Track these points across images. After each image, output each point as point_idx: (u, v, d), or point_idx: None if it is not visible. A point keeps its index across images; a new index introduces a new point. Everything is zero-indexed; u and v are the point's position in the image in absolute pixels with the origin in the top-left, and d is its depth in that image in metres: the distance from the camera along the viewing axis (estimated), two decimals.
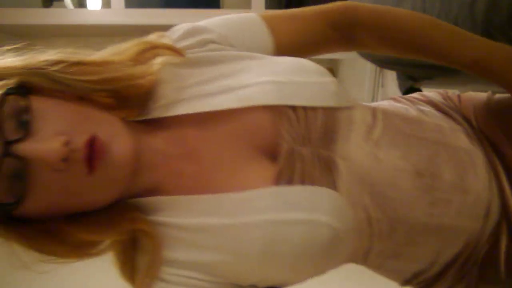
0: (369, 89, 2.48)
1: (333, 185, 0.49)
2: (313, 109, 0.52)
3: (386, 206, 0.52)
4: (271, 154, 0.52)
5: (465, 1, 0.80)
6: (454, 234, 0.55)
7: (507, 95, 0.64)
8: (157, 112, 0.53)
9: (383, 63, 1.29)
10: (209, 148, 0.52)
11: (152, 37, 0.57)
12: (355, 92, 2.56)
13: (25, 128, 0.44)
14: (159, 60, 0.54)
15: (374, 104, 0.63)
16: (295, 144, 0.51)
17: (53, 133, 0.45)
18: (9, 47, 0.50)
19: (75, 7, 2.46)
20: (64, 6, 2.41)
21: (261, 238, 0.46)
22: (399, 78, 1.37)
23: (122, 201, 0.51)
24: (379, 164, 0.52)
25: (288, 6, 2.65)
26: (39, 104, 0.46)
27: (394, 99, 0.67)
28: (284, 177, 0.49)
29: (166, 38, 0.57)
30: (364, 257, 0.56)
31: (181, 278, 0.49)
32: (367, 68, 2.47)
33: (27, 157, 0.43)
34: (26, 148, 0.43)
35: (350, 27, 0.61)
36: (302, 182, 0.49)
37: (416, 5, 0.96)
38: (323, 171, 0.50)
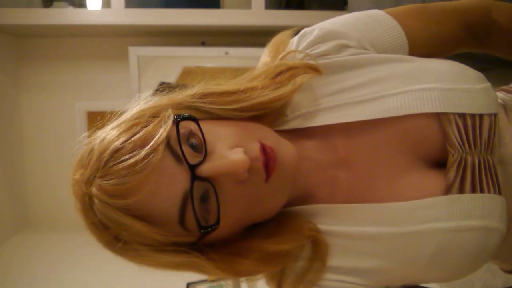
0: None
1: (498, 191, 0.50)
2: (481, 116, 0.51)
3: None
4: (436, 161, 0.51)
5: None
6: None
7: None
8: (299, 122, 0.54)
9: None
10: (362, 156, 0.52)
11: (288, 52, 0.55)
12: None
13: (201, 150, 0.45)
14: (299, 81, 0.53)
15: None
16: (463, 151, 0.50)
17: (228, 147, 0.45)
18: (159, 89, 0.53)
19: (75, 7, 2.45)
20: (64, 6, 2.41)
21: (434, 246, 0.47)
22: None
23: (282, 210, 0.52)
24: None
25: (288, 6, 2.65)
26: (204, 127, 0.46)
27: (505, 90, 0.66)
28: (455, 186, 0.49)
29: (295, 43, 0.56)
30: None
31: (340, 284, 0.50)
32: None
33: (216, 175, 0.44)
34: (211, 167, 0.44)
35: (484, 29, 0.59)
36: (472, 190, 0.49)
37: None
38: (489, 178, 0.50)
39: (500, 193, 0.50)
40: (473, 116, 0.51)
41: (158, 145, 0.43)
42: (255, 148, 0.45)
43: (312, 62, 0.53)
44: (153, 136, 0.43)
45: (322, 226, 0.51)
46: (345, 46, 0.54)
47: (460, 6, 0.59)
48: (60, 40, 2.53)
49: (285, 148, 0.48)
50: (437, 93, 0.50)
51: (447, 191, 0.49)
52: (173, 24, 2.21)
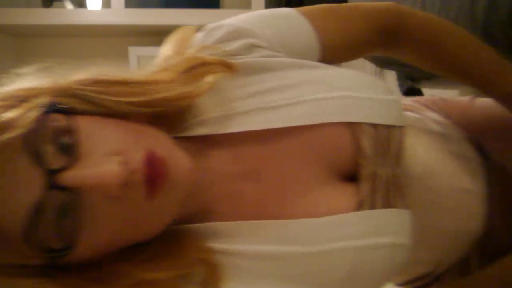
0: None
1: (406, 205, 0.49)
2: (392, 127, 0.49)
3: (428, 216, 0.54)
4: (348, 174, 0.49)
5: (465, 1, 0.80)
6: (467, 238, 0.58)
7: (488, 100, 0.65)
8: (204, 128, 0.47)
9: (383, 63, 1.29)
10: (272, 167, 0.47)
11: (195, 47, 0.50)
12: None
13: (70, 152, 0.36)
14: (210, 79, 0.47)
15: None
16: (375, 164, 0.48)
17: (104, 154, 0.37)
18: (37, 66, 0.45)
19: (75, 7, 2.45)
20: (64, 6, 2.41)
21: (344, 266, 0.44)
22: (399, 78, 1.37)
23: (170, 228, 0.44)
24: (427, 179, 0.54)
25: (288, 6, 2.65)
26: (81, 123, 0.38)
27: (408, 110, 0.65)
28: (367, 201, 0.46)
29: (200, 39, 0.50)
30: None
31: None
32: (367, 68, 2.46)
33: (79, 186, 0.36)
34: (76, 175, 0.35)
35: (395, 34, 0.58)
36: (384, 205, 0.47)
37: (416, 5, 0.96)
38: (398, 192, 0.49)
39: (408, 208, 0.49)
40: (385, 127, 0.49)
41: (13, 139, 0.34)
42: (138, 158, 0.37)
43: (228, 60, 0.48)
44: (8, 127, 0.34)
45: (219, 246, 0.44)
46: (255, 46, 0.49)
47: (373, 8, 0.57)
48: (60, 40, 2.52)
49: (178, 160, 0.40)
50: (350, 102, 0.47)
51: (359, 206, 0.46)
52: (173, 24, 2.20)
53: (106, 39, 2.53)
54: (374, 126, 0.48)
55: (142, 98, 0.43)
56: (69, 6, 2.43)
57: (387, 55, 0.62)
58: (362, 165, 0.47)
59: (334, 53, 0.55)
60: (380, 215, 0.46)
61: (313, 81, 0.48)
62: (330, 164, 0.48)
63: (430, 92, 1.48)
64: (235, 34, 0.50)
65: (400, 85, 1.37)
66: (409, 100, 0.69)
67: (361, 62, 2.46)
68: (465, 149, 0.61)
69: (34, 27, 2.28)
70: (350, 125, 0.48)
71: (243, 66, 0.48)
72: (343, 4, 0.57)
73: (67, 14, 2.24)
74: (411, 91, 1.35)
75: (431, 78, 1.25)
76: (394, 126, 0.50)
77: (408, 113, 0.63)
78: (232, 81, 0.48)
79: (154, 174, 0.37)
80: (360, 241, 0.44)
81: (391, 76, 2.41)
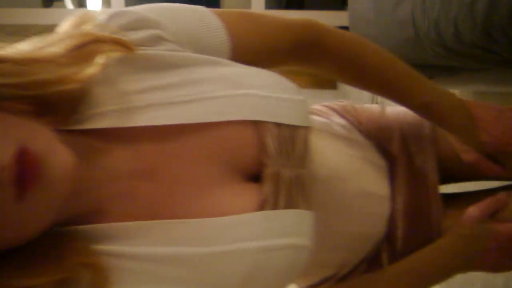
0: None
1: (310, 206, 0.48)
2: (297, 128, 0.49)
3: (329, 219, 0.55)
4: (251, 174, 0.47)
5: (465, 1, 0.80)
6: (368, 240, 0.61)
7: (399, 108, 0.68)
8: (100, 122, 0.42)
9: None
10: (171, 166, 0.44)
11: (89, 27, 0.45)
12: (355, 93, 2.55)
13: None
14: (101, 60, 0.42)
15: None
16: (279, 164, 0.47)
17: None
18: None
19: (75, 7, 2.46)
20: (64, 6, 2.41)
21: (245, 267, 0.42)
22: None
23: (54, 230, 0.40)
24: (329, 182, 0.55)
25: (288, 6, 2.65)
26: None
27: (315, 114, 0.67)
28: (270, 201, 0.45)
29: (101, 26, 0.46)
30: None
31: None
32: None
33: None
34: None
35: (310, 47, 0.57)
36: (286, 206, 0.46)
37: (416, 5, 0.96)
38: (301, 193, 0.48)
39: (310, 209, 0.48)
40: (289, 127, 0.48)
41: None
42: (7, 155, 0.33)
43: (124, 38, 0.44)
44: None
45: (108, 248, 0.41)
46: (160, 39, 0.46)
47: (290, 20, 0.56)
48: None
49: (58, 157, 0.36)
50: (256, 100, 0.46)
51: (261, 206, 0.44)
52: None
53: None
54: (279, 125, 0.47)
55: (15, 80, 0.37)
56: (70, 6, 2.43)
57: (307, 70, 0.62)
58: (265, 165, 0.46)
59: (245, 56, 0.52)
60: (282, 215, 0.45)
61: (218, 78, 0.46)
62: (233, 163, 0.46)
63: None
64: (141, 23, 0.46)
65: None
66: (318, 105, 0.71)
67: None
68: (370, 154, 0.63)
69: (34, 27, 2.28)
70: (254, 123, 0.46)
71: (145, 59, 0.45)
72: (260, 12, 0.57)
73: (67, 14, 2.24)
74: None
75: (432, 78, 1.25)
76: (299, 127, 0.49)
77: (315, 117, 0.64)
78: (132, 74, 0.44)
79: (24, 173, 0.33)
80: (260, 242, 0.43)
81: None
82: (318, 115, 0.67)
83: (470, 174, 0.68)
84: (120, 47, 0.43)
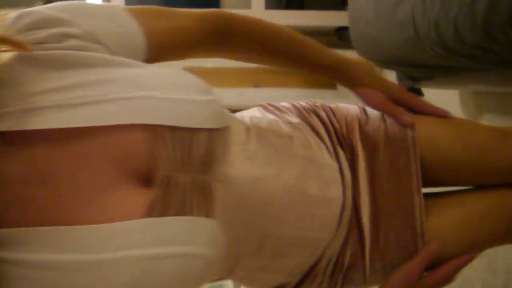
0: None
1: (210, 213, 0.46)
2: (195, 130, 0.47)
3: (260, 223, 0.53)
4: (145, 180, 0.46)
5: (465, 1, 0.80)
6: (315, 245, 0.58)
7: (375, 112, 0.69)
8: None
9: (383, 63, 1.30)
10: (65, 170, 0.43)
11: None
12: None
13: None
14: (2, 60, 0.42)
15: (247, 116, 0.61)
16: (172, 169, 0.46)
17: None
18: None
19: None
20: None
21: (129, 276, 0.41)
22: (399, 78, 1.38)
23: None
24: (257, 184, 0.52)
25: (288, 6, 2.65)
26: None
27: (264, 107, 0.66)
28: (158, 208, 0.44)
29: (7, 26, 0.45)
30: (228, 273, 0.57)
31: None
32: None
33: None
34: None
35: (222, 32, 0.59)
36: (178, 212, 0.44)
37: (416, 5, 0.96)
38: (201, 199, 0.46)
39: (212, 216, 0.46)
40: (187, 130, 0.47)
41: None
42: None
43: (19, 38, 0.43)
44: None
45: (2, 254, 0.40)
46: (66, 36, 0.45)
47: (200, 11, 0.59)
48: None
49: None
50: (151, 102, 0.45)
51: (149, 213, 0.43)
52: None
53: None
54: (174, 128, 0.46)
55: None
56: None
57: (225, 57, 0.65)
58: (155, 170, 0.45)
59: (161, 50, 0.54)
60: (171, 223, 0.44)
61: (117, 80, 0.45)
62: (127, 168, 0.45)
63: (430, 92, 1.48)
64: (45, 22, 0.45)
65: (400, 85, 1.38)
66: (288, 103, 0.69)
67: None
68: (320, 155, 0.60)
69: None
70: (148, 127, 0.45)
71: (50, 58, 0.44)
72: (172, 8, 0.58)
73: None
74: (411, 91, 1.36)
75: (432, 78, 1.25)
76: (200, 129, 0.47)
77: (266, 115, 0.63)
78: (36, 74, 0.44)
79: None
80: (145, 250, 0.42)
81: (391, 76, 2.41)
82: (271, 112, 0.65)
83: (448, 179, 0.68)
84: (15, 46, 0.42)
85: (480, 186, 0.69)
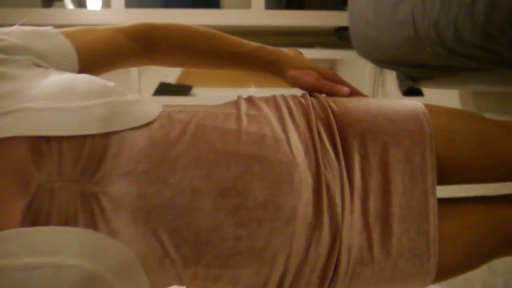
0: (369, 89, 2.48)
1: (92, 224, 0.46)
2: (84, 138, 0.47)
3: (185, 231, 0.50)
4: (24, 190, 0.46)
5: (465, 1, 0.80)
6: (271, 254, 0.52)
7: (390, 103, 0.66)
8: None
9: (383, 63, 1.29)
10: None
11: None
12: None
13: None
14: None
15: (202, 111, 0.58)
16: (49, 180, 0.46)
17: None
18: None
19: (75, 7, 2.45)
20: (64, 6, 2.41)
21: (6, 286, 0.41)
22: (399, 78, 1.37)
23: None
24: (168, 189, 0.49)
25: (288, 6, 2.65)
26: None
27: (241, 99, 0.63)
28: (29, 217, 0.44)
29: None
30: (179, 282, 0.54)
31: None
32: (367, 68, 2.47)
33: None
34: None
35: (146, 39, 0.65)
36: (59, 222, 0.45)
37: (416, 5, 0.96)
38: (88, 209, 0.46)
39: (96, 227, 0.46)
40: (77, 138, 0.47)
41: None
42: None
43: None
44: None
45: None
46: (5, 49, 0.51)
47: (124, 26, 0.65)
48: None
49: None
50: (31, 114, 0.46)
51: (22, 222, 0.44)
52: None
53: None
54: (61, 138, 0.47)
55: None
56: (70, 6, 2.43)
57: (159, 64, 0.71)
58: (31, 180, 0.46)
59: (94, 62, 0.59)
60: (40, 232, 0.44)
61: (13, 93, 0.47)
62: (12, 179, 0.46)
63: (430, 92, 1.48)
64: None
65: (400, 85, 1.37)
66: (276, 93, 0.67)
67: (362, 62, 2.46)
68: (272, 150, 0.54)
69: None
70: (29, 139, 0.46)
71: None
72: (100, 26, 0.64)
73: (67, 14, 2.25)
74: (411, 91, 1.35)
75: (432, 78, 1.25)
76: (86, 136, 0.47)
77: (227, 109, 0.59)
78: None
79: None
80: (15, 259, 0.42)
81: (391, 75, 2.41)
82: (239, 104, 0.60)
83: (456, 177, 0.64)
84: None
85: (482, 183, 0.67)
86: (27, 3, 2.39)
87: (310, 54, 2.37)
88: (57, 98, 0.48)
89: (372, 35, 1.18)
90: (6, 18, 2.17)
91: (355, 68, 2.66)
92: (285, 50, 0.71)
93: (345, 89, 0.68)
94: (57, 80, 0.50)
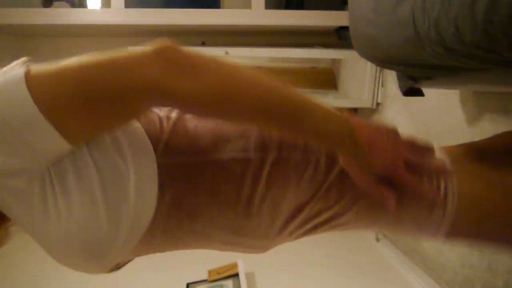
0: (369, 89, 2.48)
1: None
2: None
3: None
4: None
5: (465, 1, 0.80)
6: None
7: None
8: None
9: (383, 63, 1.29)
10: None
11: None
12: (355, 92, 2.56)
13: None
14: None
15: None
16: None
17: None
18: None
19: (75, 7, 2.45)
20: (64, 6, 2.41)
21: None
22: (399, 78, 1.37)
23: None
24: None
25: (288, 6, 2.65)
26: None
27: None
28: None
29: None
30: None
31: None
32: (367, 68, 2.47)
33: None
34: None
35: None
36: None
37: (416, 5, 0.96)
38: None
39: None
40: None
41: None
42: None
43: None
44: None
45: None
46: None
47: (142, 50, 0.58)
48: (60, 40, 2.52)
49: None
50: None
51: None
52: (173, 24, 2.21)
53: (106, 39, 2.53)
54: None
55: None
56: (69, 6, 2.43)
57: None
58: None
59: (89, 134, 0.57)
60: None
61: None
62: None
63: (430, 92, 1.48)
64: None
65: (400, 85, 1.37)
66: None
67: (362, 62, 2.44)
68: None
69: (34, 27, 2.28)
70: None
71: None
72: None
73: (67, 14, 2.24)
74: (412, 91, 1.35)
75: (432, 78, 1.25)
76: None
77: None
78: None
79: None
80: None
81: (391, 75, 2.41)
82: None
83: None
84: None
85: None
86: (27, 3, 2.39)
87: (310, 54, 2.36)
88: None
89: (372, 35, 1.18)
90: (6, 18, 2.17)
91: (355, 68, 2.66)
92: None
93: (391, 205, 0.63)
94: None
